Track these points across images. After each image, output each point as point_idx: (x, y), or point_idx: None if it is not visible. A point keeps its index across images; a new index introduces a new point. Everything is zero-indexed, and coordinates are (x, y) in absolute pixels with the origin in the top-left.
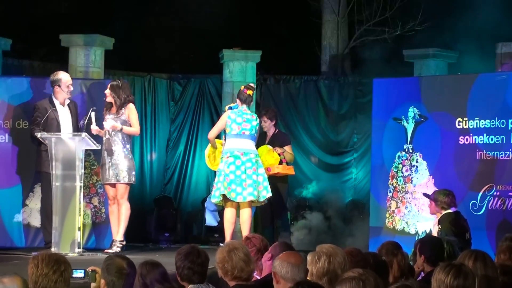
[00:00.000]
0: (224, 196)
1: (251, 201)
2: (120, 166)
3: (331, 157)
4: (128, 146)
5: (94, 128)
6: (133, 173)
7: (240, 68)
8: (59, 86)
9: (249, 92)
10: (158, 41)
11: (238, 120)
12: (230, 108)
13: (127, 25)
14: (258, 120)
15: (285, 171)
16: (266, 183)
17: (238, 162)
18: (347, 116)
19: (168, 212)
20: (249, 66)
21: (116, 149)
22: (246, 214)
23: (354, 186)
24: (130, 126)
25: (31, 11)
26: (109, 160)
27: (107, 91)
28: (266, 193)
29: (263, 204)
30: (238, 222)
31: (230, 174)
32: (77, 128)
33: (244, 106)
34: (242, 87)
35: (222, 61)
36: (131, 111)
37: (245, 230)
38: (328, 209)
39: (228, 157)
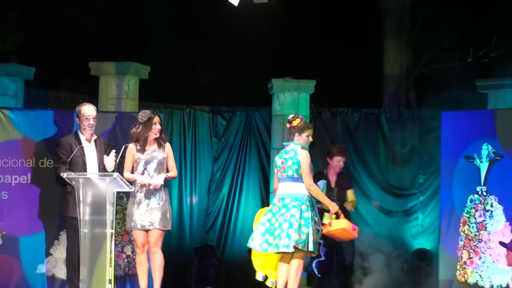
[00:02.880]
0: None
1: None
2: (157, 209)
3: (393, 199)
4: (165, 188)
5: (141, 179)
6: (170, 217)
7: (291, 99)
8: (78, 119)
9: (288, 125)
10: (199, 69)
11: (278, 163)
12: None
13: (164, 52)
14: (295, 152)
15: (349, 236)
16: (292, 231)
17: (275, 209)
18: (412, 153)
19: (210, 263)
20: (301, 98)
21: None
22: (288, 268)
23: (420, 233)
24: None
25: (57, 36)
26: (145, 204)
27: (157, 120)
28: (288, 242)
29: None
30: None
31: (266, 223)
32: (103, 168)
33: (291, 143)
34: None
35: (272, 92)
36: (170, 150)
37: (290, 284)
38: (390, 260)
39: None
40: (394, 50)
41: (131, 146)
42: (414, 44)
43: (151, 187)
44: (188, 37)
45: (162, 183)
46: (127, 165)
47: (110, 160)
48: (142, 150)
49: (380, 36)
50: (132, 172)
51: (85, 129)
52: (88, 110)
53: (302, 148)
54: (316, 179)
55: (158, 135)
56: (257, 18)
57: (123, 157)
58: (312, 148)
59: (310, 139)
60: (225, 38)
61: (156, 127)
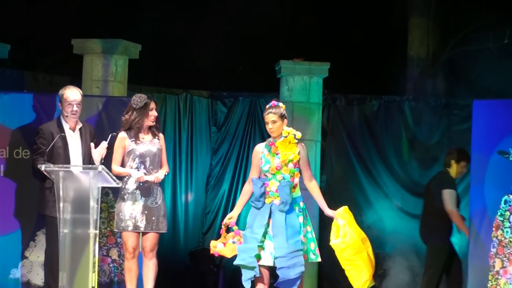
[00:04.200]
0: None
1: None
2: (157, 210)
3: (416, 199)
4: (161, 186)
5: (139, 175)
6: (164, 219)
7: (302, 84)
8: (61, 104)
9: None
10: (197, 49)
11: None
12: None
13: (157, 28)
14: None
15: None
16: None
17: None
18: (438, 147)
19: (207, 269)
20: (313, 82)
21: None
22: None
23: None
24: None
25: (35, 8)
26: (143, 201)
27: (154, 106)
28: None
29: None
30: None
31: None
32: (89, 161)
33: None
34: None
35: (279, 76)
36: (163, 141)
37: None
38: (414, 268)
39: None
40: (419, 30)
41: (123, 135)
42: (442, 22)
43: (147, 184)
44: (185, 11)
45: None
46: (117, 156)
47: (98, 153)
48: (136, 140)
49: (404, 13)
50: (122, 165)
51: (67, 116)
52: (72, 94)
53: None
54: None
55: (154, 123)
56: None
57: (110, 148)
58: (324, 140)
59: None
60: (227, 13)
61: (153, 113)
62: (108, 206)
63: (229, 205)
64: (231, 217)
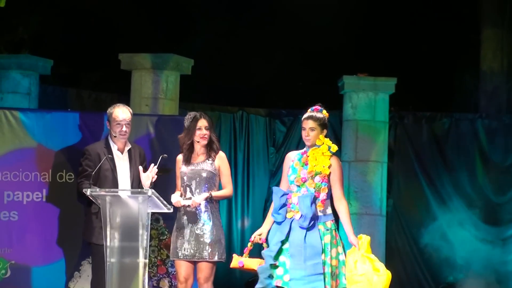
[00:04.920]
0: None
1: None
2: (205, 237)
3: (489, 227)
4: (216, 210)
5: (176, 199)
6: (223, 246)
7: (367, 101)
8: (109, 123)
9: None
10: (254, 63)
11: None
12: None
13: (211, 42)
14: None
15: None
16: None
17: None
18: None
19: None
20: (379, 99)
21: (200, 213)
22: None
23: None
24: (220, 186)
25: (79, 21)
26: (189, 228)
27: (203, 124)
28: None
29: None
30: None
31: None
32: (138, 185)
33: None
34: None
35: (342, 92)
36: (223, 162)
37: None
38: None
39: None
40: (493, 41)
41: (178, 158)
42: None
43: (189, 209)
44: (240, 23)
45: (200, 203)
46: (177, 181)
47: (147, 177)
48: (187, 162)
49: (476, 23)
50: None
51: (115, 136)
52: (121, 113)
53: None
54: None
55: (203, 142)
56: (325, 1)
57: (160, 171)
58: (391, 161)
59: None
60: (285, 25)
61: (201, 132)
62: (158, 233)
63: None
64: (261, 234)
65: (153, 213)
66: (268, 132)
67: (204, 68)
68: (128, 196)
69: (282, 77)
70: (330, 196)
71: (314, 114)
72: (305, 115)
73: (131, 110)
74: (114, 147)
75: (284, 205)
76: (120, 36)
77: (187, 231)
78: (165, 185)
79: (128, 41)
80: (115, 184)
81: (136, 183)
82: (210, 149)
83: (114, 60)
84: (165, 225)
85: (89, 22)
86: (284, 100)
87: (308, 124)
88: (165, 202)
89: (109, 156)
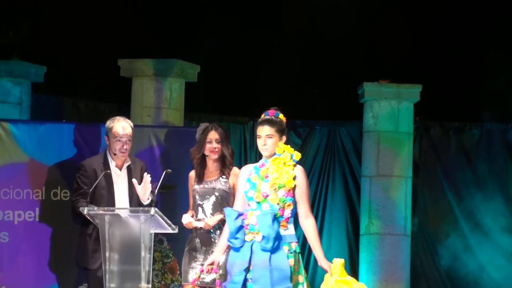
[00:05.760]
0: None
1: None
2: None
3: None
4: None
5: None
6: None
7: (389, 110)
8: (108, 137)
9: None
10: (266, 69)
11: None
12: None
13: (219, 47)
14: None
15: None
16: None
17: None
18: None
19: None
20: (403, 108)
21: (214, 236)
22: None
23: None
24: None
25: (75, 25)
26: (203, 252)
27: (213, 137)
28: None
29: None
30: None
31: None
32: (138, 203)
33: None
34: None
35: (362, 100)
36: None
37: None
38: None
39: None
40: None
41: (191, 174)
42: None
43: (202, 231)
44: (251, 25)
45: (214, 225)
46: (190, 201)
47: (143, 189)
48: (199, 179)
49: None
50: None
51: (115, 154)
52: (120, 128)
53: None
54: None
55: (213, 157)
56: (344, 3)
57: (165, 188)
58: (416, 176)
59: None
60: (300, 28)
61: (211, 146)
62: (162, 256)
63: (305, 253)
64: (212, 263)
65: (156, 234)
66: None
67: (211, 75)
68: (128, 215)
69: (296, 85)
70: (294, 214)
71: (270, 118)
72: (260, 121)
73: (131, 124)
74: (112, 163)
75: (241, 227)
76: (120, 40)
77: (200, 255)
78: (170, 203)
79: (128, 46)
80: (111, 204)
81: (135, 203)
82: (223, 165)
83: (113, 67)
84: (169, 247)
85: (85, 25)
86: (299, 109)
87: (264, 131)
88: (169, 222)
89: (107, 172)
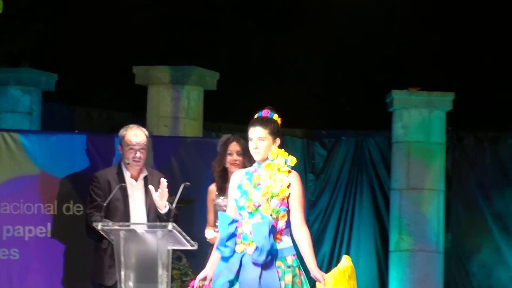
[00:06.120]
0: None
1: None
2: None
3: None
4: None
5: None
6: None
7: (420, 119)
8: (121, 147)
9: None
10: (289, 77)
11: None
12: None
13: (239, 52)
14: None
15: None
16: None
17: None
18: None
19: None
20: (434, 117)
21: None
22: None
23: None
24: None
25: (87, 31)
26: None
27: (235, 149)
28: None
29: None
30: None
31: None
32: (156, 217)
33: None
34: None
35: (391, 109)
36: None
37: None
38: None
39: None
40: None
41: (211, 188)
42: None
43: None
44: (272, 30)
45: None
46: (209, 215)
47: (160, 197)
48: (221, 192)
49: None
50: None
51: (128, 163)
52: (134, 137)
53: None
54: None
55: (233, 169)
56: (372, 6)
57: (183, 202)
58: (449, 189)
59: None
60: (325, 32)
61: (232, 158)
62: (180, 274)
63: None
64: (205, 277)
65: (174, 251)
66: (306, 156)
67: (231, 83)
68: (145, 231)
69: (321, 93)
70: (289, 224)
71: (263, 119)
72: (252, 121)
73: (146, 132)
74: (126, 174)
75: (233, 235)
76: (134, 46)
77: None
78: (188, 217)
79: (143, 52)
80: (126, 217)
81: (153, 215)
82: None
83: (128, 74)
84: (188, 264)
85: (98, 30)
86: (324, 119)
87: (255, 133)
88: (188, 238)
89: (122, 184)
